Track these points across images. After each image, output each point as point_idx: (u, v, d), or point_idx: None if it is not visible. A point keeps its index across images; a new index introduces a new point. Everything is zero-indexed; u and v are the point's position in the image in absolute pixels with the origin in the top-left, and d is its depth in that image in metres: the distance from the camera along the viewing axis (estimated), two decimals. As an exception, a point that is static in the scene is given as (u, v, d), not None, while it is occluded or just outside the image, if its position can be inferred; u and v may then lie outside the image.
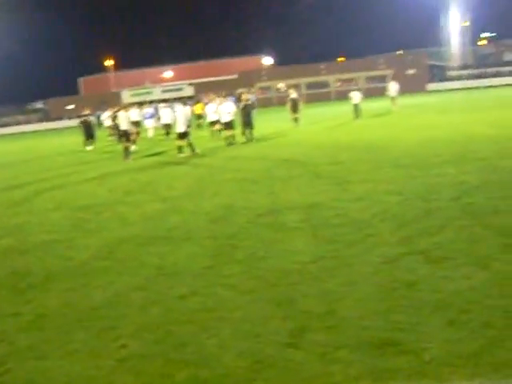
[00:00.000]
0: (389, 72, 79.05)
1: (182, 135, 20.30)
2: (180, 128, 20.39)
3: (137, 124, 27.63)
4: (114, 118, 27.57)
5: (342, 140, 20.96)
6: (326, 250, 7.15)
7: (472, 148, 15.13)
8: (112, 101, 66.31)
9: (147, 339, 5.01)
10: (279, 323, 5.07)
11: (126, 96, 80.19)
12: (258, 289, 6.01)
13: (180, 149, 20.31)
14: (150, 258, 7.60)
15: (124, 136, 21.94)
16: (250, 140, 23.37)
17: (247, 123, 23.66)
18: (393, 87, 40.05)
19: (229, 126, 22.79)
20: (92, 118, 30.48)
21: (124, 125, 21.96)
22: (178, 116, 20.76)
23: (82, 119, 29.81)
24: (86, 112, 30.68)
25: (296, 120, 29.39)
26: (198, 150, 20.44)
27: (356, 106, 32.96)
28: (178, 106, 22.31)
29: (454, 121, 24.75)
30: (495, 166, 11.97)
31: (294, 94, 29.57)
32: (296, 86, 52.45)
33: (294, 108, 29.52)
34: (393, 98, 39.11)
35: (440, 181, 10.94)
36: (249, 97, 25.66)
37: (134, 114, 27.34)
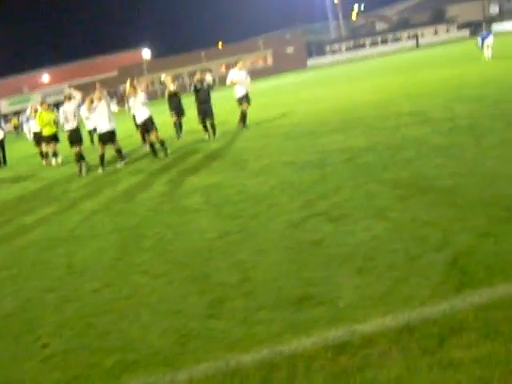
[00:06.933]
0: (269, 51, 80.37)
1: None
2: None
3: None
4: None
5: (235, 122, 21.14)
6: (231, 225, 7.29)
7: (356, 115, 15.82)
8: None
9: (68, 335, 4.95)
10: (197, 298, 5.16)
11: (4, 105, 76.88)
12: (171, 270, 6.06)
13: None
14: (57, 259, 7.45)
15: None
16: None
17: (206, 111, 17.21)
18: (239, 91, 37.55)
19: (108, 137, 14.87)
20: None
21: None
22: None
23: None
24: None
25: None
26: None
27: None
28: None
29: (336, 92, 25.64)
30: (378, 128, 12.58)
31: (172, 86, 20.33)
32: (176, 77, 50.72)
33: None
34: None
35: (330, 147, 11.37)
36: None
37: None
